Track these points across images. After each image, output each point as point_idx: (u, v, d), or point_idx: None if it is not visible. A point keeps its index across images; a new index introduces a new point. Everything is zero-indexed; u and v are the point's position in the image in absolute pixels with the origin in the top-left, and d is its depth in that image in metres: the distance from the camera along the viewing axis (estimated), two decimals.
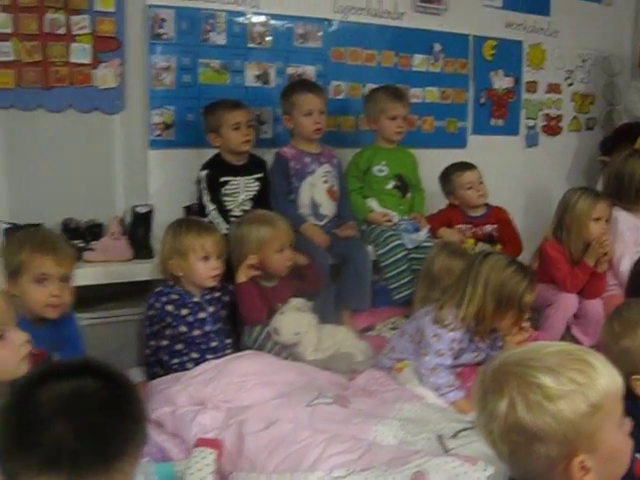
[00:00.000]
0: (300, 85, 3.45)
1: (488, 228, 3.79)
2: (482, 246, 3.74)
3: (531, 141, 4.70)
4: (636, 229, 3.62)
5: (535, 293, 2.69)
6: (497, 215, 3.83)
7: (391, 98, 3.61)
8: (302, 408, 2.27)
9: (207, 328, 2.82)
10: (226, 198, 3.33)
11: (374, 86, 3.80)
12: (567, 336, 3.41)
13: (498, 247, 3.75)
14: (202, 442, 2.15)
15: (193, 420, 2.29)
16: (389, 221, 3.55)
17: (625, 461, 1.29)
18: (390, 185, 3.66)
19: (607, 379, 1.22)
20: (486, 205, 3.82)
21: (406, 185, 3.70)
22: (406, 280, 3.39)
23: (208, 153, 3.41)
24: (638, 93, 4.62)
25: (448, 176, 3.77)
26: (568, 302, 3.37)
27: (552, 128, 4.81)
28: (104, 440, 1.11)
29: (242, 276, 2.86)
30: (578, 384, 1.19)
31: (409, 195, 3.72)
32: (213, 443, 2.13)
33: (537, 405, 1.19)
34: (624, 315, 1.77)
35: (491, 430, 1.24)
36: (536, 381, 1.20)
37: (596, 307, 3.40)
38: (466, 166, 3.74)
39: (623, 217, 3.64)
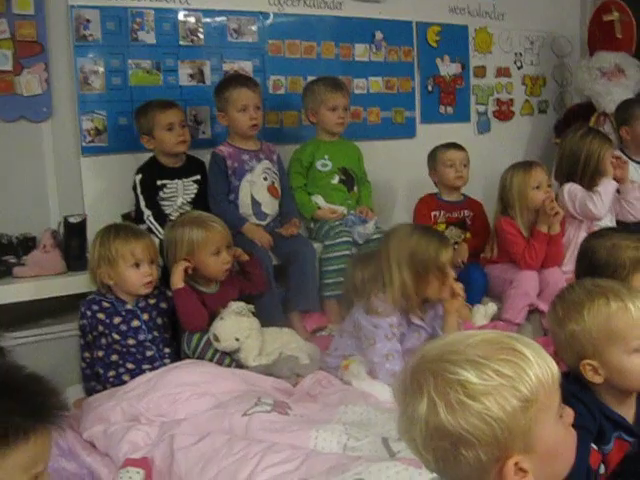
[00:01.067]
0: (233, 80, 3.32)
1: (464, 213, 3.77)
2: (453, 230, 3.73)
3: (483, 127, 4.61)
4: None
5: (449, 250, 2.65)
6: (473, 206, 3.81)
7: (330, 88, 3.51)
8: (238, 418, 2.14)
9: (141, 337, 2.67)
10: (164, 202, 3.21)
11: (315, 78, 3.69)
12: (534, 316, 3.35)
13: (467, 235, 3.76)
14: (129, 462, 2.03)
15: (123, 438, 2.16)
16: (337, 216, 3.45)
17: (569, 455, 1.15)
18: (335, 180, 3.55)
19: (540, 368, 1.08)
20: (463, 195, 3.82)
21: (352, 179, 3.60)
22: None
23: (144, 157, 3.29)
24: (588, 72, 4.54)
25: (435, 152, 3.75)
26: (527, 279, 3.30)
27: (504, 113, 4.72)
28: None
29: (177, 281, 2.72)
30: (506, 377, 1.05)
31: (356, 189, 3.61)
32: (140, 462, 2.01)
33: (459, 405, 1.04)
34: (567, 298, 1.66)
35: (413, 436, 1.10)
36: (457, 377, 1.06)
37: (557, 275, 3.33)
38: (455, 145, 3.74)
39: (577, 188, 3.56)
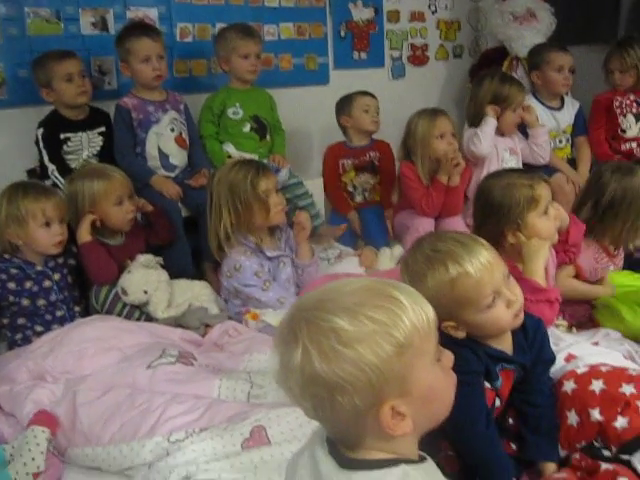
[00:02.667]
0: (134, 29, 3.20)
1: (371, 155, 3.78)
2: (362, 177, 3.75)
3: (397, 72, 4.61)
4: (495, 146, 3.57)
5: (268, 178, 2.71)
6: (380, 146, 3.83)
7: (241, 36, 3.44)
8: (142, 371, 2.13)
9: (53, 298, 2.63)
10: (68, 156, 3.13)
11: (224, 26, 3.61)
12: None
13: (377, 178, 3.79)
14: (34, 420, 1.99)
15: (27, 397, 2.12)
16: None
17: (447, 398, 1.18)
18: (247, 128, 3.50)
19: (414, 313, 1.09)
20: (372, 138, 3.81)
21: (264, 127, 3.55)
22: None
23: (47, 110, 3.17)
24: (501, 16, 4.55)
25: (348, 97, 3.73)
26: (423, 225, 3.33)
27: (418, 58, 4.72)
28: None
29: (84, 235, 2.67)
30: (380, 323, 1.06)
31: (268, 137, 3.58)
32: (45, 420, 1.98)
33: (333, 352, 1.05)
34: (410, 267, 1.63)
35: (290, 385, 1.10)
36: (330, 325, 1.06)
37: (455, 224, 3.34)
38: (369, 93, 3.76)
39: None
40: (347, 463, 1.13)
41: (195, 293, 2.78)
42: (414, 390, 1.10)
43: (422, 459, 1.19)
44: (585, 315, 2.63)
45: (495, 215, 2.16)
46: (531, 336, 1.73)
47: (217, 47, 3.53)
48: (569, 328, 2.44)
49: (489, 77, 3.62)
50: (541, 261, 2.08)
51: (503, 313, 1.60)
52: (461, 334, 1.62)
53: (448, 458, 1.65)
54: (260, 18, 3.92)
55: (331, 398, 1.06)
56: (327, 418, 1.11)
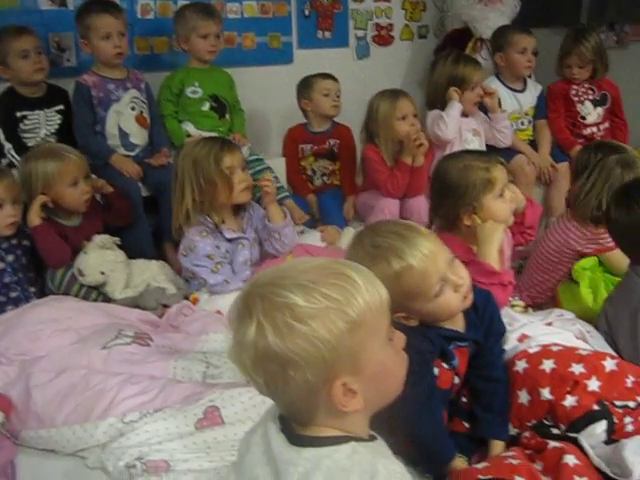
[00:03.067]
0: (95, 5, 3.12)
1: (330, 143, 3.75)
2: (321, 162, 3.75)
3: (362, 52, 4.58)
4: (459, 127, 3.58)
5: (233, 154, 2.67)
6: (340, 132, 3.80)
7: (201, 15, 3.40)
8: (97, 352, 2.11)
9: (7, 279, 2.59)
10: (25, 134, 3.09)
11: (185, 3, 3.56)
12: None
13: (337, 166, 3.78)
14: None
15: None
16: None
17: (398, 377, 1.20)
18: (205, 106, 3.47)
19: (368, 293, 1.11)
20: (332, 122, 3.78)
21: (223, 106, 3.52)
22: None
23: (2, 88, 3.12)
24: None
25: (309, 80, 3.70)
26: (388, 206, 3.33)
27: (383, 38, 4.70)
28: None
29: (34, 218, 2.63)
30: (334, 300, 1.07)
31: (227, 116, 3.55)
32: None
33: (287, 327, 1.06)
34: (354, 260, 1.63)
35: (243, 361, 1.11)
36: (285, 301, 1.07)
37: (419, 204, 3.34)
38: (330, 76, 3.72)
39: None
40: (297, 440, 1.14)
41: (153, 273, 2.75)
42: (366, 368, 1.11)
43: (372, 438, 1.21)
44: (545, 296, 2.68)
45: (451, 197, 2.16)
46: (481, 311, 1.76)
47: (176, 26, 3.48)
48: (525, 309, 2.47)
49: (443, 59, 3.65)
50: (495, 244, 2.09)
51: (452, 298, 1.62)
52: (414, 322, 1.63)
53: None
54: None
55: (284, 373, 1.07)
56: (279, 394, 1.13)
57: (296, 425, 1.17)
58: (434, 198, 2.29)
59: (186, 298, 2.64)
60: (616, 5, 4.51)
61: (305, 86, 3.71)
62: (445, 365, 1.71)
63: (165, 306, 2.58)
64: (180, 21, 3.44)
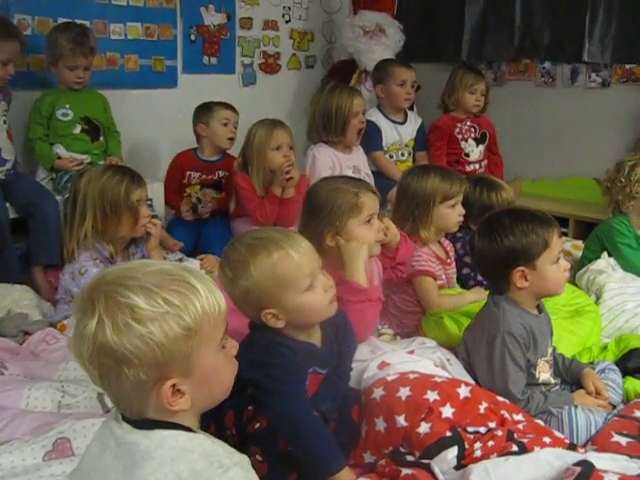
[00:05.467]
0: None
1: (219, 174, 3.72)
2: (207, 191, 3.71)
3: (248, 80, 4.61)
4: (338, 163, 3.63)
5: (142, 189, 2.66)
6: (229, 163, 3.74)
7: (72, 46, 3.31)
8: None
9: None
10: None
11: (67, 21, 3.49)
12: None
13: (222, 195, 3.75)
14: None
15: None
16: (79, 165, 3.31)
17: (226, 382, 1.26)
18: (77, 129, 3.40)
19: (207, 302, 1.17)
20: (223, 153, 3.75)
21: (97, 128, 3.47)
22: None
23: None
24: (352, 30, 4.66)
25: (209, 106, 3.65)
26: None
27: (270, 66, 4.75)
28: None
29: None
30: (174, 306, 1.14)
31: (102, 139, 3.49)
32: None
33: (126, 326, 1.11)
34: (232, 258, 1.66)
35: (81, 352, 1.14)
36: (127, 301, 1.12)
37: None
38: (231, 107, 3.68)
39: (322, 155, 3.61)
40: (141, 424, 1.18)
41: (15, 299, 2.64)
42: (196, 371, 1.18)
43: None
44: (413, 325, 2.72)
45: (317, 217, 2.17)
46: (341, 332, 1.83)
47: (47, 48, 3.41)
48: (394, 337, 2.50)
49: (320, 90, 3.70)
50: (361, 262, 2.10)
51: (321, 297, 1.68)
52: (280, 323, 1.66)
53: (257, 463, 1.65)
54: (106, 16, 3.83)
55: (118, 369, 1.12)
56: (112, 388, 1.17)
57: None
58: (302, 218, 2.28)
59: (52, 325, 2.54)
60: (493, 44, 4.72)
61: (205, 111, 3.64)
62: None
63: (27, 333, 2.47)
64: (51, 45, 3.37)
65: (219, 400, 1.27)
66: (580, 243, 3.40)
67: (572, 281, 2.98)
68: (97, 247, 2.59)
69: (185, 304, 1.14)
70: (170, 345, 1.13)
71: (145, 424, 1.17)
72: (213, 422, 1.70)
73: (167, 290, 1.14)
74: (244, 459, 1.25)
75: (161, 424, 1.18)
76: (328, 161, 3.57)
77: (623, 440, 1.84)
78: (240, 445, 1.61)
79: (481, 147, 4.22)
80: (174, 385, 1.15)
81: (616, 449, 1.79)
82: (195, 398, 1.19)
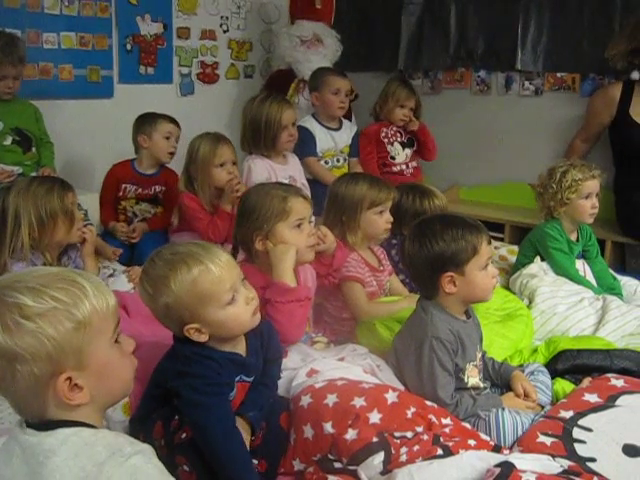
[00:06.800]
0: None
1: (156, 189, 3.67)
2: (143, 206, 3.66)
3: (186, 89, 4.60)
4: (274, 173, 3.62)
5: (74, 192, 2.66)
6: (167, 177, 3.69)
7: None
8: None
9: None
10: None
11: None
12: None
13: (159, 209, 3.69)
14: None
15: None
16: (9, 177, 3.26)
17: (124, 377, 1.30)
18: (8, 141, 3.37)
19: (95, 298, 1.22)
20: (160, 166, 3.69)
21: (28, 139, 3.43)
22: None
23: None
24: (289, 39, 4.69)
25: (152, 117, 3.59)
26: None
27: (208, 76, 4.75)
28: None
29: None
30: (61, 302, 1.18)
31: (34, 150, 3.44)
32: None
33: (15, 324, 1.15)
34: (151, 274, 1.64)
35: None
36: (14, 301, 1.16)
37: None
38: (174, 121, 3.64)
39: (257, 166, 3.59)
40: (43, 426, 1.20)
41: None
42: (91, 365, 1.22)
43: None
44: (347, 332, 2.73)
45: (247, 220, 2.17)
46: (266, 340, 1.84)
47: None
48: (327, 344, 2.51)
49: (251, 100, 3.63)
50: (288, 264, 2.09)
51: (243, 310, 1.68)
52: (204, 337, 1.65)
53: (184, 473, 1.64)
54: (39, 25, 3.79)
55: (12, 368, 1.15)
56: (9, 389, 1.19)
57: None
58: (236, 222, 2.28)
59: None
60: (429, 53, 4.80)
61: (148, 122, 3.58)
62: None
63: None
64: None
65: (120, 396, 1.33)
66: (515, 248, 3.44)
67: (505, 285, 3.05)
68: (31, 258, 2.55)
69: (73, 300, 1.19)
70: (61, 338, 1.16)
71: (48, 425, 1.19)
72: (142, 434, 1.69)
73: (54, 288, 1.18)
74: (147, 448, 1.26)
75: (64, 423, 1.20)
76: (264, 172, 3.54)
77: (548, 440, 1.87)
78: (169, 456, 1.60)
79: (407, 150, 4.31)
80: (70, 379, 1.19)
81: (541, 449, 1.82)
82: (94, 393, 1.22)
